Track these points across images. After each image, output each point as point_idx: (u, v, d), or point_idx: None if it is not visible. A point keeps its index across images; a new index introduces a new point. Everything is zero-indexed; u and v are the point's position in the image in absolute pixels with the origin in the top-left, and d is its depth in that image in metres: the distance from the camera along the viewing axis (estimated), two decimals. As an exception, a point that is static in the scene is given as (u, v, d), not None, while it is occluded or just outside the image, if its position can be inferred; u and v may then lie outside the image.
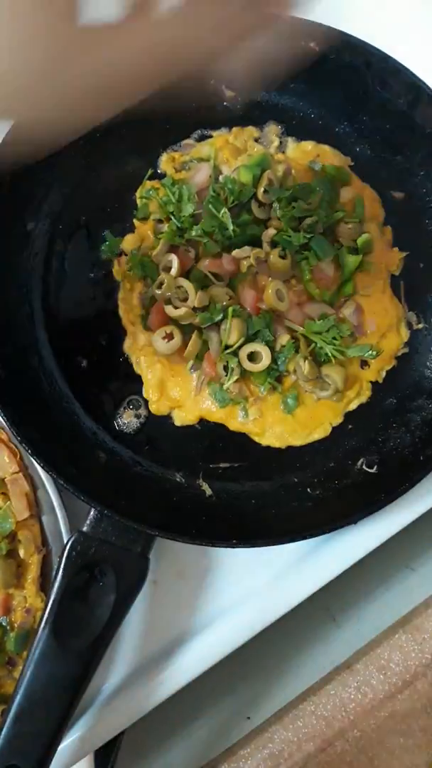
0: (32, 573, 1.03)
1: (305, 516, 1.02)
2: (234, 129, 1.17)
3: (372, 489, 1.01)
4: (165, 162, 1.15)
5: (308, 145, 1.16)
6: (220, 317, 1.03)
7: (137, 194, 1.13)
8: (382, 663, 1.20)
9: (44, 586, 1.04)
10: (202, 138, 1.17)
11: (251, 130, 1.17)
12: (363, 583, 1.24)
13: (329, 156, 1.15)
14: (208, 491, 1.06)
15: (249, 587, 1.08)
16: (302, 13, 0.91)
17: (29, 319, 1.09)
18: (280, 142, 1.17)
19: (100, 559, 0.94)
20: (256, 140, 1.17)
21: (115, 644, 1.06)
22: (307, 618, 1.20)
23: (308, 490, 1.06)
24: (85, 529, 0.96)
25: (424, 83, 1.07)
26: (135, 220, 1.13)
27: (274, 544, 0.97)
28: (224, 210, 1.04)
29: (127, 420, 1.09)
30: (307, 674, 1.19)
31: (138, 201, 1.13)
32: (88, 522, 0.96)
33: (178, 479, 1.07)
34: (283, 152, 1.16)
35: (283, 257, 1.05)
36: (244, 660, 1.15)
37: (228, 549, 1.09)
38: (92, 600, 0.94)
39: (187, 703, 1.16)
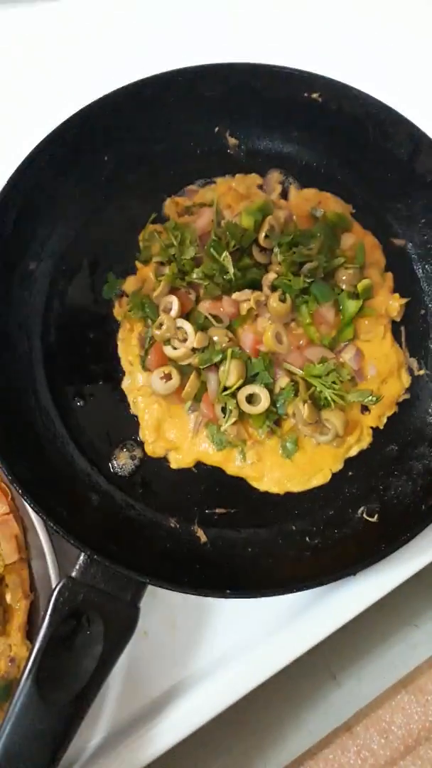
0: (18, 620, 0.99)
1: (303, 566, 0.99)
2: (237, 176, 1.18)
3: (372, 539, 0.99)
4: (168, 206, 1.17)
5: (310, 192, 1.17)
6: (219, 358, 1.03)
7: (140, 237, 1.14)
8: (383, 726, 1.15)
9: (30, 633, 1.00)
10: (205, 184, 1.19)
11: (254, 177, 1.18)
12: (364, 640, 1.20)
13: (331, 203, 1.16)
14: (203, 538, 1.03)
15: (244, 640, 1.05)
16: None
17: (27, 357, 1.08)
18: (283, 189, 1.18)
19: (88, 607, 0.90)
20: (259, 187, 1.18)
21: (102, 698, 1.02)
22: (307, 675, 1.16)
23: (307, 538, 1.03)
24: (74, 574, 0.92)
25: (425, 134, 1.09)
26: (137, 262, 1.13)
27: (269, 596, 0.93)
28: (225, 254, 1.05)
29: (123, 462, 1.07)
30: (306, 736, 1.13)
31: (141, 244, 1.14)
32: (77, 567, 0.93)
33: (172, 525, 1.04)
34: (286, 199, 1.18)
35: (283, 301, 1.05)
36: (240, 718, 1.10)
37: (223, 600, 1.06)
38: (78, 649, 0.89)
39: (178, 762, 1.09)
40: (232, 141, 1.19)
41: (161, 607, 1.07)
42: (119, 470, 1.06)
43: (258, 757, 1.14)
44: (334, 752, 1.12)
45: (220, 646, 1.05)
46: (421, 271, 1.15)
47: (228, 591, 0.92)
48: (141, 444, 1.07)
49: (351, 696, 1.17)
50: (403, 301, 1.12)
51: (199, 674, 1.04)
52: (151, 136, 1.16)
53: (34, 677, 0.87)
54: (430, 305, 1.14)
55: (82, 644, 0.90)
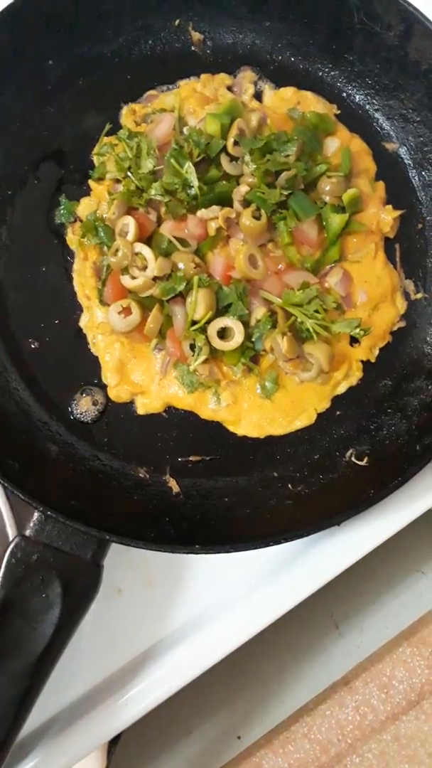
0: (-25, 582, 0.91)
1: (284, 516, 0.91)
2: (203, 76, 1.05)
3: (361, 484, 0.90)
4: (125, 115, 1.04)
5: (288, 92, 1.04)
6: (183, 287, 0.92)
7: (94, 152, 1.02)
8: (383, 680, 1.11)
9: (-10, 596, 0.92)
10: (168, 89, 1.05)
11: (223, 77, 1.05)
12: (368, 587, 1.15)
13: (312, 103, 1.03)
14: (175, 488, 0.95)
15: (225, 597, 0.98)
16: None
17: (-28, 296, 0.98)
18: (256, 90, 1.05)
19: (43, 568, 0.84)
20: (229, 88, 1.05)
21: (74, 661, 0.96)
22: (310, 625, 1.12)
23: (289, 485, 0.95)
24: (27, 533, 0.85)
25: (418, 10, 0.94)
26: (90, 181, 1.02)
27: (242, 550, 0.85)
28: (188, 165, 0.93)
29: (84, 408, 0.98)
30: (305, 689, 1.09)
31: (94, 159, 1.02)
32: (31, 525, 0.86)
33: (141, 475, 0.96)
34: (260, 100, 1.04)
35: (257, 217, 0.94)
36: (241, 670, 1.08)
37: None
38: (34, 614, 0.83)
39: (179, 716, 1.08)
40: (195, 36, 1.06)
41: (135, 562, 1.01)
42: (81, 417, 0.98)
43: (256, 712, 1.10)
44: (331, 708, 1.10)
45: (200, 604, 0.99)
46: (417, 178, 1.03)
47: (197, 546, 0.85)
48: (104, 388, 0.99)
49: (353, 647, 1.13)
50: (397, 213, 1.01)
51: (178, 633, 0.98)
52: (102, 34, 1.03)
53: (-16, 646, 0.80)
54: (428, 218, 1.03)
55: (38, 609, 0.83)
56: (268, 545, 0.85)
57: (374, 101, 1.04)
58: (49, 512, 0.84)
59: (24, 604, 0.83)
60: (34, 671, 0.82)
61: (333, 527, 0.86)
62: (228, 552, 0.85)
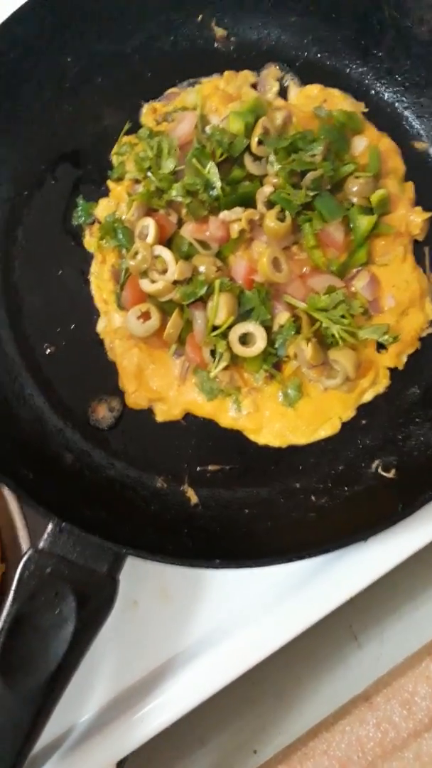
0: (-12, 592, 0.89)
1: (307, 530, 0.88)
2: (226, 73, 1.04)
3: (388, 497, 0.88)
4: (146, 114, 1.03)
5: (314, 89, 1.03)
6: (204, 291, 0.90)
7: (113, 151, 1.02)
8: (405, 696, 1.08)
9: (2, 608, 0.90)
10: (189, 86, 1.04)
11: (246, 75, 1.04)
12: (389, 597, 1.12)
13: (339, 100, 1.02)
14: (194, 499, 0.93)
15: (244, 612, 0.96)
16: None
17: (-13, 299, 0.98)
18: (281, 87, 1.04)
19: (57, 581, 0.81)
20: (253, 86, 1.04)
21: (88, 676, 0.95)
22: (328, 635, 1.09)
23: (312, 497, 0.92)
24: (41, 545, 0.83)
25: None
26: (109, 182, 1.01)
27: (265, 565, 0.83)
28: (211, 164, 0.92)
29: (101, 416, 0.96)
30: (323, 702, 1.07)
31: (113, 159, 1.01)
32: (45, 536, 0.83)
33: (158, 485, 0.94)
34: (285, 98, 1.03)
35: (281, 219, 0.92)
36: (257, 681, 1.03)
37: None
38: (47, 630, 0.80)
39: (194, 727, 1.04)
40: (219, 32, 1.05)
41: (152, 574, 0.98)
42: (97, 424, 0.96)
43: (273, 725, 1.08)
44: (351, 724, 1.07)
45: (218, 618, 0.97)
46: (448, 179, 1.02)
47: (218, 561, 0.83)
48: (121, 394, 0.97)
49: (372, 660, 1.10)
50: (427, 215, 0.99)
51: (195, 649, 0.96)
52: (122, 31, 1.02)
53: (-4, 662, 0.78)
54: (458, 220, 1.00)
55: (52, 624, 0.81)
56: (290, 560, 0.83)
57: (404, 99, 1.02)
58: (63, 524, 0.82)
59: (37, 619, 0.80)
60: (47, 689, 0.79)
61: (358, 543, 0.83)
62: (249, 567, 0.83)
